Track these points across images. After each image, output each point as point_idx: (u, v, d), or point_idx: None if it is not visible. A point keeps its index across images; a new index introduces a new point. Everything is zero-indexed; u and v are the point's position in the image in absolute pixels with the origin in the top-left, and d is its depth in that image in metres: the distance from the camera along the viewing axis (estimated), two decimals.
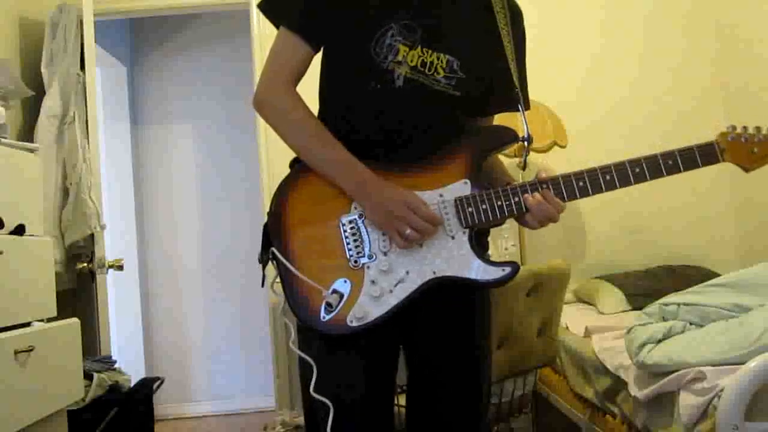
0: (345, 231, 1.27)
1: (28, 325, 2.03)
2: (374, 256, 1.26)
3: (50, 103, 2.91)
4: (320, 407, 1.25)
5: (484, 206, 1.26)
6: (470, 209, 1.26)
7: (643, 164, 1.25)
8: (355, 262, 1.26)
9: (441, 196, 1.27)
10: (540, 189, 1.26)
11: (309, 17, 1.32)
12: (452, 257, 1.25)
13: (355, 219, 1.28)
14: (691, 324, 1.83)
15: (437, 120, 1.31)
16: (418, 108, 1.30)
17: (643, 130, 3.36)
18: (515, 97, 1.39)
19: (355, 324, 1.23)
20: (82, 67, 2.97)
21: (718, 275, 2.29)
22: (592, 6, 3.47)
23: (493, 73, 1.37)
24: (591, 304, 3.03)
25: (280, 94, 1.33)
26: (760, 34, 3.12)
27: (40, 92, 2.88)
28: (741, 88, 3.30)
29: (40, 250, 2.16)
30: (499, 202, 1.27)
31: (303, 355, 1.29)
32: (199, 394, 4.31)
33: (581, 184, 1.26)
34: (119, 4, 3.36)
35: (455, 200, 1.26)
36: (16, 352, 1.86)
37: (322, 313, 1.24)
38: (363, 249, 1.26)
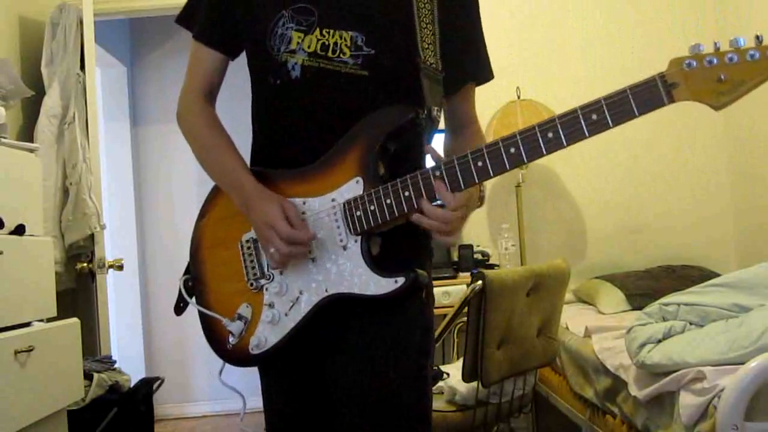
0: (243, 251, 1.18)
1: (28, 325, 2.03)
2: (271, 277, 1.15)
3: (50, 103, 2.91)
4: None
5: (372, 207, 1.06)
6: (358, 213, 1.07)
7: (558, 126, 0.96)
8: (253, 284, 1.17)
9: (333, 200, 1.10)
10: (433, 178, 1.02)
11: (209, 23, 1.25)
12: (344, 271, 1.09)
13: (253, 238, 1.17)
14: (691, 324, 1.82)
15: (351, 108, 1.12)
16: (322, 98, 1.14)
17: (644, 130, 3.36)
18: (437, 66, 1.17)
19: (255, 352, 1.16)
20: (82, 67, 2.97)
21: (718, 275, 2.29)
22: (593, 6, 3.47)
23: (404, 40, 1.16)
24: (591, 304, 3.02)
25: (189, 107, 1.27)
26: None
27: (40, 92, 2.88)
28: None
29: (40, 250, 2.15)
30: (388, 200, 1.05)
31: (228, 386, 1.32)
32: (199, 394, 4.31)
33: (480, 164, 0.99)
34: (119, 4, 3.36)
35: (344, 204, 1.09)
36: (16, 352, 1.86)
37: (229, 341, 1.19)
38: (261, 269, 1.16)
